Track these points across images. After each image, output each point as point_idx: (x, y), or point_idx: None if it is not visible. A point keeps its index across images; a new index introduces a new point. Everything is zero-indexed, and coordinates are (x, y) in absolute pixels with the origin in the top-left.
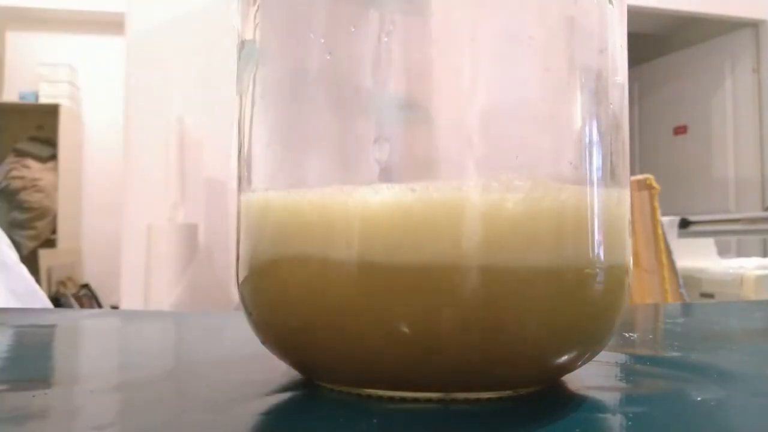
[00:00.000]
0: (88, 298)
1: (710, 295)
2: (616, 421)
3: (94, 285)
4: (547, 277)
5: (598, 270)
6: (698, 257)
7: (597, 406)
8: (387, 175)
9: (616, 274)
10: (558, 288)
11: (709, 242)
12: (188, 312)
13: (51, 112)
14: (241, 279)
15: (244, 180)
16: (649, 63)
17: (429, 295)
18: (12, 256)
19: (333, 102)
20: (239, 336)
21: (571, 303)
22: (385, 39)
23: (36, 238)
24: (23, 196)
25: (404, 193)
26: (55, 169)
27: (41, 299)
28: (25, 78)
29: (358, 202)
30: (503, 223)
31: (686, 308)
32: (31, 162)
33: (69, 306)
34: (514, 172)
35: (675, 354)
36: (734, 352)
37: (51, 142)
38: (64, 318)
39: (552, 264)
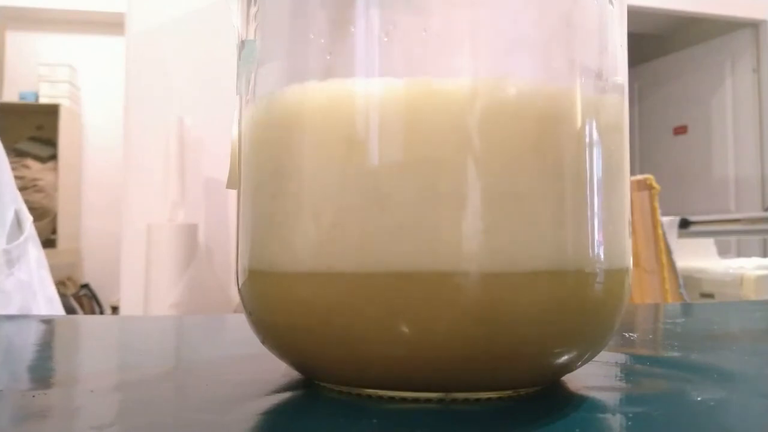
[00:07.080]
0: (88, 298)
1: (710, 295)
2: (616, 421)
3: (94, 285)
4: (547, 276)
5: (598, 270)
6: (698, 257)
7: (597, 406)
8: None
9: (616, 274)
10: (558, 288)
11: (709, 242)
12: (189, 317)
13: (51, 112)
14: (241, 279)
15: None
16: (649, 63)
17: (429, 294)
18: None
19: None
20: (239, 336)
21: (572, 303)
22: (385, 39)
23: None
24: (23, 196)
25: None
26: (55, 169)
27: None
28: (25, 78)
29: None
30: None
31: (686, 308)
32: (31, 162)
33: (69, 306)
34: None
35: (675, 354)
36: (734, 352)
37: (51, 142)
38: (64, 318)
39: (552, 265)
